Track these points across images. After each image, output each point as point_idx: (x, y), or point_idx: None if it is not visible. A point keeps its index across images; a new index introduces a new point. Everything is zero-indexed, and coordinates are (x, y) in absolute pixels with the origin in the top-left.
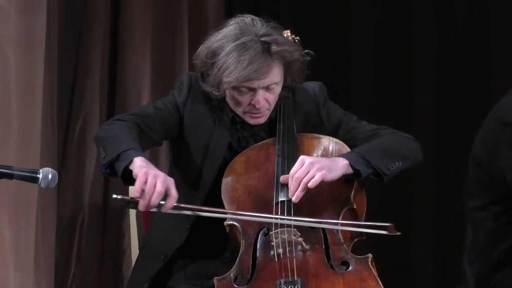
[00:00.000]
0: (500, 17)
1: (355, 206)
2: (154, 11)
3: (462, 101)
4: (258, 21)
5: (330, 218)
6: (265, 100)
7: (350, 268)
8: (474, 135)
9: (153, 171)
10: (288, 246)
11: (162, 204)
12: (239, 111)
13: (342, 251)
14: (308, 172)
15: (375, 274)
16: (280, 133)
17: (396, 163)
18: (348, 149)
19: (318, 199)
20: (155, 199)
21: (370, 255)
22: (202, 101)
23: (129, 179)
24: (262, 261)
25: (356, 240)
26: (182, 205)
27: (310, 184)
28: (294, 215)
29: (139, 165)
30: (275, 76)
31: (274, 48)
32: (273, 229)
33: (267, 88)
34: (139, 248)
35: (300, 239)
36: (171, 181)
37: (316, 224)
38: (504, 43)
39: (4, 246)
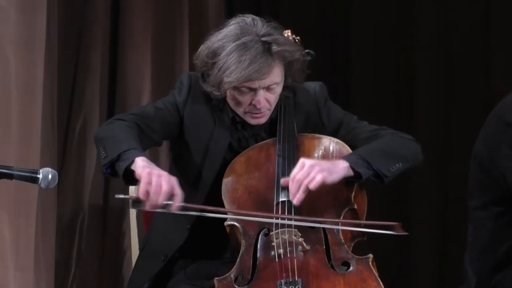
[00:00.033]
0: (501, 17)
1: (355, 207)
2: (154, 11)
3: (463, 101)
4: (258, 21)
5: (331, 219)
6: (266, 100)
7: (351, 268)
8: (475, 135)
9: (156, 171)
10: (289, 247)
11: (168, 204)
12: (239, 111)
13: (343, 251)
14: (308, 175)
15: (376, 274)
16: (281, 133)
17: (397, 165)
18: (349, 149)
19: (319, 199)
20: (162, 199)
21: (371, 255)
22: (202, 101)
23: (131, 179)
24: (263, 262)
25: (357, 240)
26: (188, 205)
27: (311, 186)
28: (295, 216)
29: (141, 165)
30: (276, 76)
31: (275, 48)
32: (273, 229)
33: (268, 88)
34: (139, 248)
35: (300, 239)
36: (175, 180)
37: (318, 224)
38: (505, 43)
39: (4, 246)
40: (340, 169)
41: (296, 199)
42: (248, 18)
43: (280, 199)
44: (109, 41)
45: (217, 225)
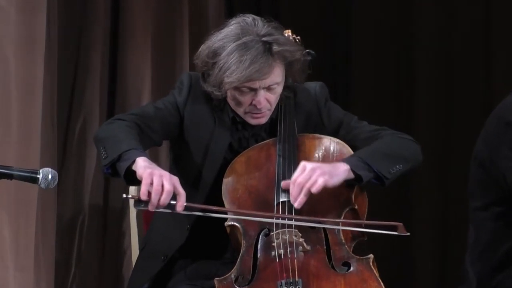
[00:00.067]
0: (502, 17)
1: (356, 207)
2: (154, 11)
3: (463, 101)
4: (259, 21)
5: (332, 219)
6: (266, 101)
7: (352, 268)
8: (475, 135)
9: (158, 171)
10: (289, 247)
11: (172, 204)
12: (240, 111)
13: (344, 252)
14: (310, 178)
15: (377, 274)
16: (281, 133)
17: (397, 166)
18: (349, 149)
19: (319, 200)
20: (164, 199)
21: (371, 255)
22: (203, 101)
23: (132, 179)
24: (263, 262)
25: (357, 240)
26: (191, 204)
27: (313, 190)
28: (295, 216)
29: (142, 165)
30: (277, 76)
31: (275, 48)
32: (274, 229)
33: (268, 88)
34: (139, 248)
35: (301, 239)
36: (176, 180)
37: (319, 224)
38: (505, 43)
39: (4, 246)
40: (341, 172)
41: (297, 203)
42: (249, 18)
43: (281, 199)
44: (109, 41)
45: (217, 225)
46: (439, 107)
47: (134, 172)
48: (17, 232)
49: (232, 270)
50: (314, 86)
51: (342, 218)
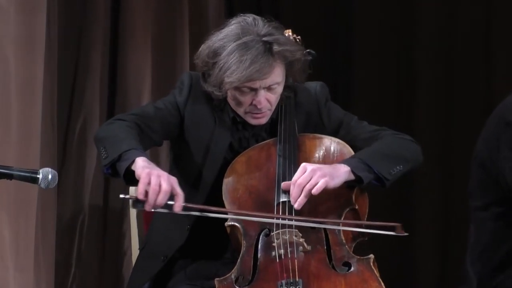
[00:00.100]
0: (502, 17)
1: (357, 207)
2: (154, 10)
3: (464, 101)
4: (259, 20)
5: (332, 219)
6: (267, 100)
7: (352, 269)
8: (475, 135)
9: (156, 171)
10: (290, 247)
11: (170, 204)
12: (240, 111)
13: (344, 252)
14: (310, 179)
15: (377, 274)
16: (282, 133)
17: (398, 167)
18: (350, 149)
19: (320, 200)
20: (161, 199)
21: (372, 255)
22: (203, 101)
23: (131, 179)
24: (264, 262)
25: (358, 240)
26: (189, 205)
27: (314, 191)
28: (295, 216)
29: (141, 165)
30: (277, 76)
31: (276, 48)
32: (274, 229)
33: (269, 88)
34: (139, 249)
35: (301, 239)
36: (174, 180)
37: (319, 224)
38: (506, 43)
39: (4, 246)
40: (342, 173)
41: (297, 204)
42: (249, 17)
43: (281, 200)
44: (109, 41)
45: (218, 226)
46: (439, 107)
47: (133, 172)
48: (17, 232)
49: (233, 270)
50: (315, 86)
51: (342, 218)
